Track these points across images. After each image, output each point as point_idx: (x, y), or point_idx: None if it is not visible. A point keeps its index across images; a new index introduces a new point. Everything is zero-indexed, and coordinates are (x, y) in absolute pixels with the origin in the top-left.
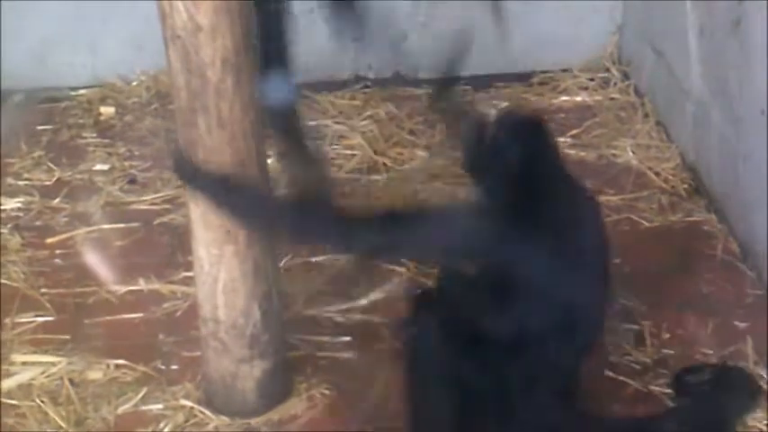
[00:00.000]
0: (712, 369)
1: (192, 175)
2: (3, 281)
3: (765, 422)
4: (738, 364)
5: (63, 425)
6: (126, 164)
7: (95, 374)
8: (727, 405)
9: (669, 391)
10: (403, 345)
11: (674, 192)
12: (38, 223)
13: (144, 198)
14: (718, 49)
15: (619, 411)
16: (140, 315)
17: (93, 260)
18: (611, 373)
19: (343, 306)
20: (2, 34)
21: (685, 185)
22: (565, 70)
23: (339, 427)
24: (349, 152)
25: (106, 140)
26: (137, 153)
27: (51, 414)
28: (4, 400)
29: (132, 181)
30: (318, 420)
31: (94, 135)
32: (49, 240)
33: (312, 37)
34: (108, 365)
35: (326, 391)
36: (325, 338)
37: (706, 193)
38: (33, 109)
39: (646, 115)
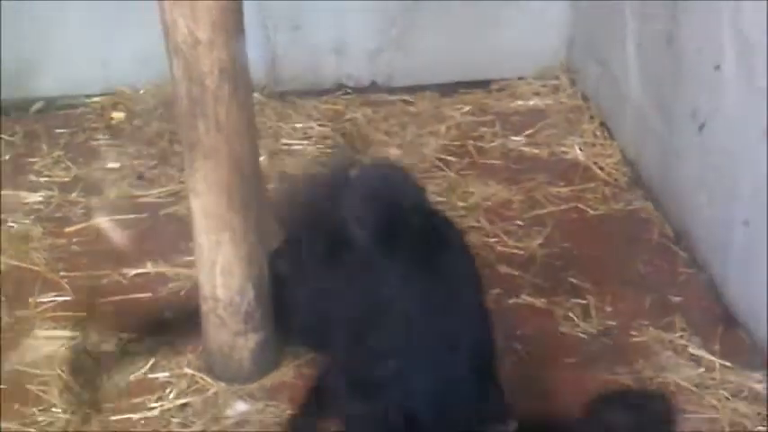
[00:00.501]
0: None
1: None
2: (26, 265)
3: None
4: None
5: (81, 391)
6: (135, 162)
7: (109, 347)
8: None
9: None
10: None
11: (615, 183)
12: (57, 215)
13: (151, 192)
14: (654, 59)
15: (566, 376)
16: (148, 295)
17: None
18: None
19: None
20: (28, 50)
21: (626, 178)
22: (520, 78)
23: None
24: (331, 150)
25: (117, 142)
26: (144, 153)
27: (71, 382)
28: (29, 369)
29: (140, 177)
30: (303, 387)
31: (107, 137)
32: (67, 230)
33: (299, 51)
34: (120, 339)
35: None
36: None
37: (643, 184)
38: (53, 114)
39: (591, 117)
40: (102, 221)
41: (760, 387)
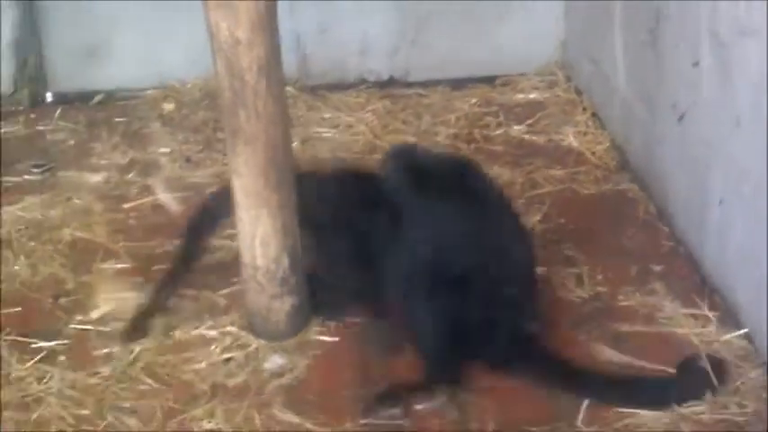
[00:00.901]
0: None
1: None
2: (90, 237)
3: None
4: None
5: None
6: (183, 147)
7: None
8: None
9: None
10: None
11: (605, 167)
12: (116, 193)
13: (197, 173)
14: (639, 58)
15: (562, 333)
16: (198, 262)
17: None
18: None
19: None
20: (92, 48)
21: (614, 162)
22: (522, 74)
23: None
24: (355, 138)
25: (168, 129)
26: (191, 139)
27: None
28: (94, 327)
29: (188, 160)
30: (330, 342)
31: (159, 125)
32: (125, 206)
33: (327, 50)
34: (171, 301)
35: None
36: None
37: (630, 168)
38: (112, 105)
39: (584, 109)
40: (155, 198)
41: (739, 341)
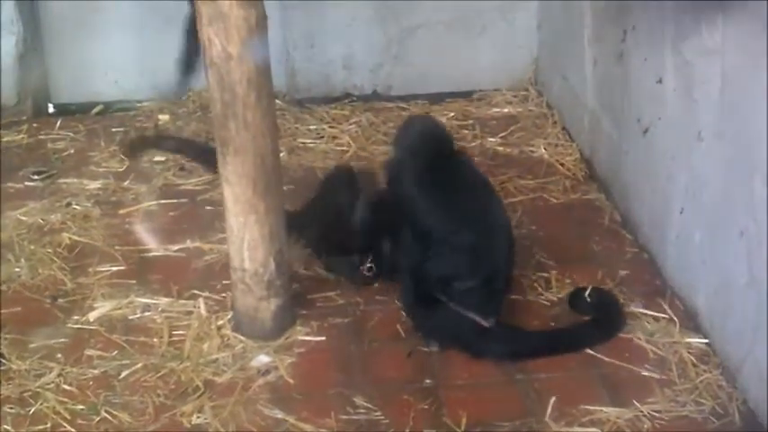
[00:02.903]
0: (593, 291)
1: None
2: (87, 240)
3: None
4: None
5: (128, 346)
6: (177, 156)
7: (155, 309)
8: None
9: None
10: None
11: (574, 177)
12: (113, 199)
13: (190, 181)
14: (607, 74)
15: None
16: (189, 266)
17: (147, 230)
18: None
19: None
20: (91, 63)
21: (582, 173)
22: (496, 90)
23: (329, 343)
24: (340, 148)
25: None
26: None
27: (122, 337)
28: (90, 327)
29: (182, 168)
30: (313, 342)
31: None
32: (121, 211)
33: (313, 65)
34: (163, 303)
35: (321, 322)
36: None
37: (597, 178)
38: (109, 116)
39: (554, 122)
40: (150, 205)
41: (698, 342)
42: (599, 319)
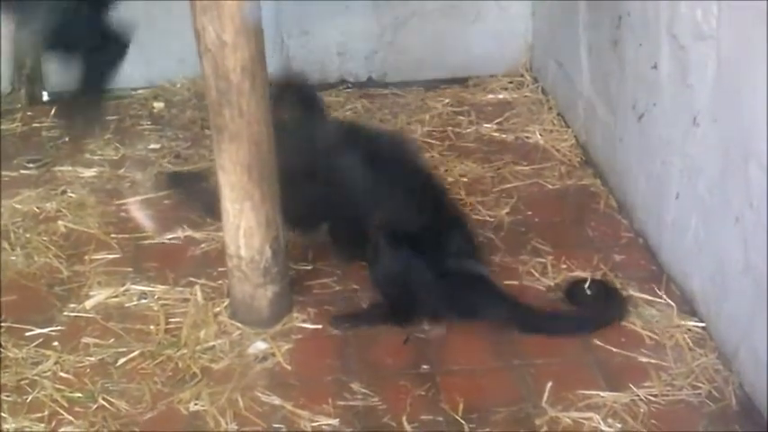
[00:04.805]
0: (592, 283)
1: None
2: (83, 228)
3: None
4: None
5: (125, 333)
6: (172, 144)
7: (151, 296)
8: (607, 309)
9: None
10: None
11: (569, 163)
12: (108, 187)
13: (185, 168)
14: (602, 60)
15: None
16: (184, 253)
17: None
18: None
19: None
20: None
21: (578, 159)
22: (492, 76)
23: (326, 330)
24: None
25: (158, 127)
26: (180, 136)
27: (119, 324)
28: (87, 315)
29: (177, 156)
30: (310, 329)
31: (149, 123)
32: (116, 200)
33: (308, 52)
34: (159, 290)
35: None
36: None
37: (593, 164)
38: (105, 104)
39: (550, 108)
40: (146, 193)
41: (693, 327)
42: (599, 308)
